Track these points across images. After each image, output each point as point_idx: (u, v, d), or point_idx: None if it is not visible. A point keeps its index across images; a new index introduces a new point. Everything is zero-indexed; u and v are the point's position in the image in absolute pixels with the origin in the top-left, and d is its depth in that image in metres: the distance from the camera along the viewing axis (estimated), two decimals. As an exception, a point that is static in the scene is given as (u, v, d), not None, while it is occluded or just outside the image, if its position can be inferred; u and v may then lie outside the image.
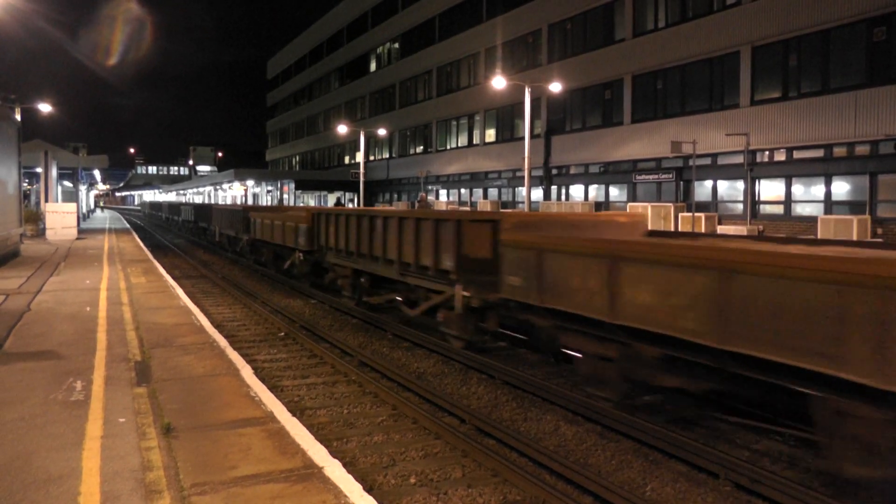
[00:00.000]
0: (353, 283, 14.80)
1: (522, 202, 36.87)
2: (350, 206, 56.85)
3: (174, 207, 53.81)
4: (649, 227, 11.82)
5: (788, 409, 6.80)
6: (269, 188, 75.75)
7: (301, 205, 61.89)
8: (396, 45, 58.12)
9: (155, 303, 12.63)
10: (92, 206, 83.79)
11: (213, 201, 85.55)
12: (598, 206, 34.51)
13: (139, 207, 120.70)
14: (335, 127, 61.71)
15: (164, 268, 19.27)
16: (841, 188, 24.50)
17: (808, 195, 25.61)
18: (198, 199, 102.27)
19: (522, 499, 5.72)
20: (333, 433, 7.19)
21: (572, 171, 37.30)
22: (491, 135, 44.70)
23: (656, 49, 31.33)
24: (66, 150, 56.53)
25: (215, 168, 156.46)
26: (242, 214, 24.18)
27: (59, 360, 8.12)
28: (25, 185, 36.00)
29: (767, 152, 26.68)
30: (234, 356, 8.53)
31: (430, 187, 51.27)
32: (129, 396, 6.69)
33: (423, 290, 11.76)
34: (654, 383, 7.31)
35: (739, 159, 26.78)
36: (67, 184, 50.16)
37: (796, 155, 25.75)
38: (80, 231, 34.32)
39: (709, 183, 29.13)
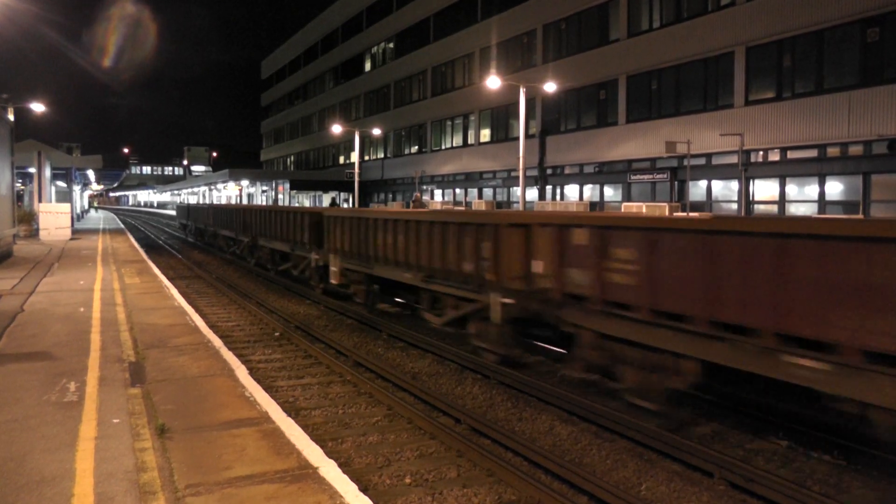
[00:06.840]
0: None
1: (517, 202, 36.85)
2: (345, 205, 56.74)
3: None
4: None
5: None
6: (264, 188, 75.73)
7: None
8: (391, 45, 58.06)
9: (149, 303, 12.59)
10: (86, 207, 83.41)
11: (208, 201, 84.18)
12: (593, 206, 34.56)
13: (174, 213, 63.85)
14: (330, 127, 61.58)
15: (158, 268, 19.21)
16: (834, 188, 24.59)
17: (802, 195, 25.69)
18: (192, 200, 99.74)
19: (518, 499, 5.73)
20: (328, 433, 7.18)
21: (567, 171, 37.33)
22: (486, 135, 44.71)
23: (651, 49, 31.38)
24: (60, 151, 56.47)
25: (210, 168, 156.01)
26: None
27: (52, 361, 8.08)
28: (19, 185, 35.79)
29: (761, 152, 26.75)
30: (229, 356, 8.51)
31: (424, 187, 51.23)
32: (123, 397, 6.67)
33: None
34: None
35: (734, 159, 26.84)
36: (61, 184, 49.89)
37: (790, 155, 25.83)
38: (74, 231, 34.17)
39: (703, 183, 29.19)
